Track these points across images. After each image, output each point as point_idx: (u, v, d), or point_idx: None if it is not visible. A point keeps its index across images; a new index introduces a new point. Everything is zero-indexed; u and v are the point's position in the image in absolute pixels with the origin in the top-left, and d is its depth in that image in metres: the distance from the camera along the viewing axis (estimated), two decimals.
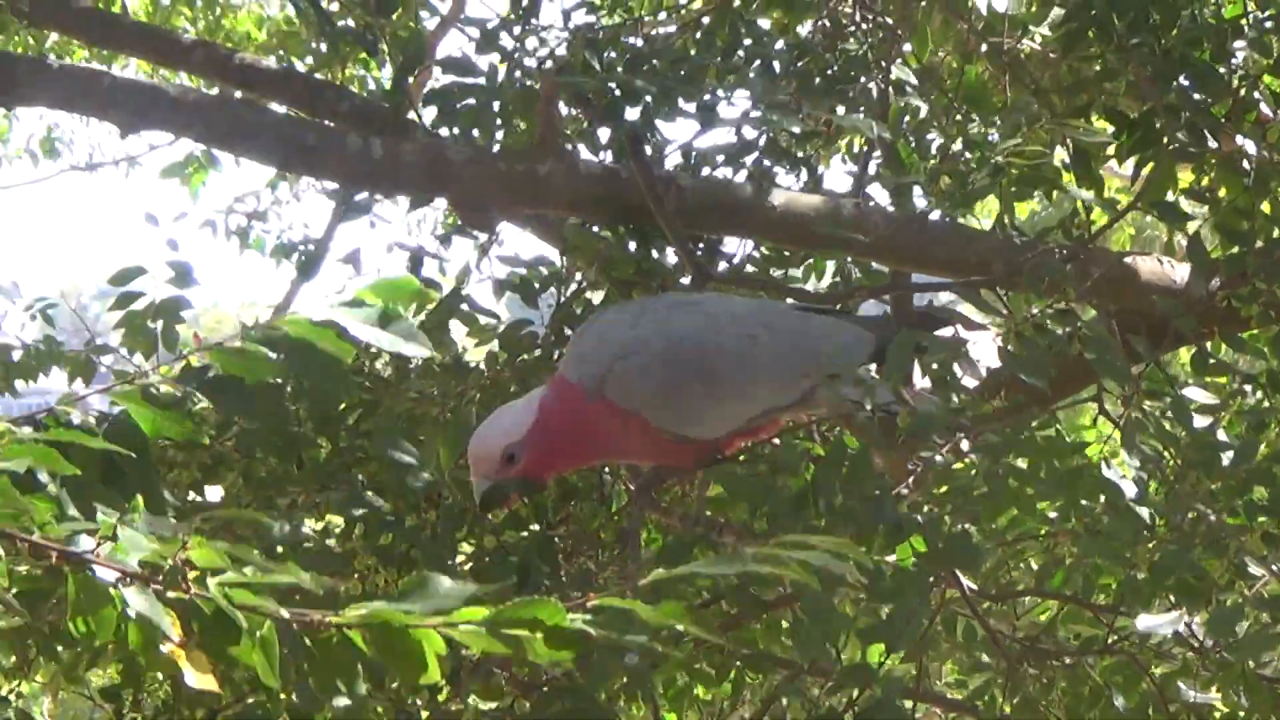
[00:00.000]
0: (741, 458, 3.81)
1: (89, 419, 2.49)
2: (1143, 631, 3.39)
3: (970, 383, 3.58)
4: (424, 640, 2.08)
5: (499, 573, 3.53)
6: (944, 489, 3.49)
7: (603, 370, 3.62)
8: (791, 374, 3.66)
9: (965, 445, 3.47)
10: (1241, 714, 3.60)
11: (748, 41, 4.52)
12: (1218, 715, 3.66)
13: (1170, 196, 4.49)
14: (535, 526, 4.01)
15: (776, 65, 4.56)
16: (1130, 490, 3.44)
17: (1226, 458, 3.49)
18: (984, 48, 4.82)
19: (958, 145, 4.41)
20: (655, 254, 4.60)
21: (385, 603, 2.11)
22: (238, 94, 5.40)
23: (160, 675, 4.40)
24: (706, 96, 4.34)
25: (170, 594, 2.14)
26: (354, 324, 2.41)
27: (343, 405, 4.20)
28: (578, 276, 4.48)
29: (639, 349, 3.63)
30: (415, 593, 2.11)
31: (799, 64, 4.60)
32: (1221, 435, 3.54)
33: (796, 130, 4.47)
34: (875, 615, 3.39)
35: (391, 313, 2.43)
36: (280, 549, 3.70)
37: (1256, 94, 4.41)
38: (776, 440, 3.89)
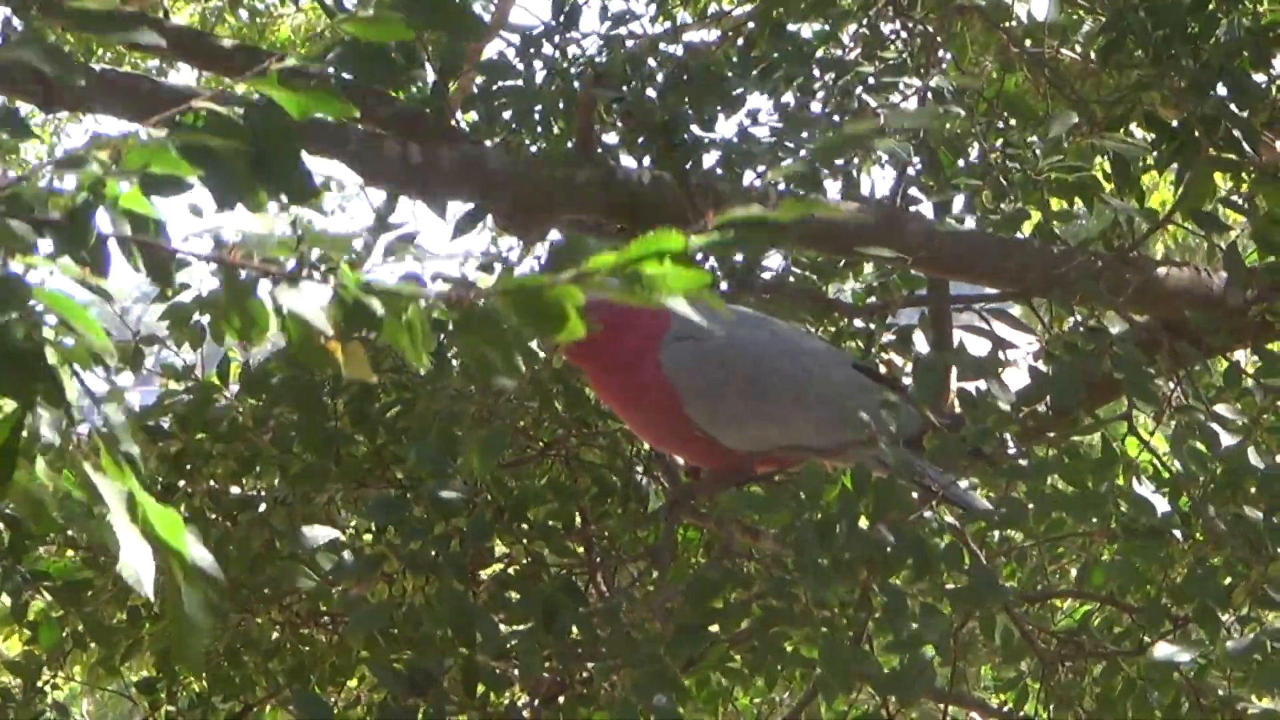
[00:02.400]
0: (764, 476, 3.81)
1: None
2: (1162, 661, 3.38)
3: (1002, 403, 3.57)
4: (563, 295, 2.04)
5: (524, 609, 3.52)
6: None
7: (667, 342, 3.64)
8: (832, 420, 3.65)
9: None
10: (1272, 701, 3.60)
11: (787, 63, 4.50)
12: (1252, 712, 3.66)
13: (1209, 206, 4.48)
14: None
15: (815, 86, 4.56)
16: (1161, 505, 3.44)
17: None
18: (1024, 54, 4.80)
19: (997, 155, 4.40)
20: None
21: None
22: None
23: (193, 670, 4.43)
24: (745, 118, 4.34)
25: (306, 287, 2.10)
26: None
27: (378, 402, 4.22)
28: None
29: (700, 336, 3.63)
30: (564, 258, 2.09)
31: (838, 81, 4.59)
32: (1253, 455, 3.52)
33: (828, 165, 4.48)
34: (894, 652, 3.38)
35: None
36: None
37: None
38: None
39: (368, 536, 4.03)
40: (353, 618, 3.78)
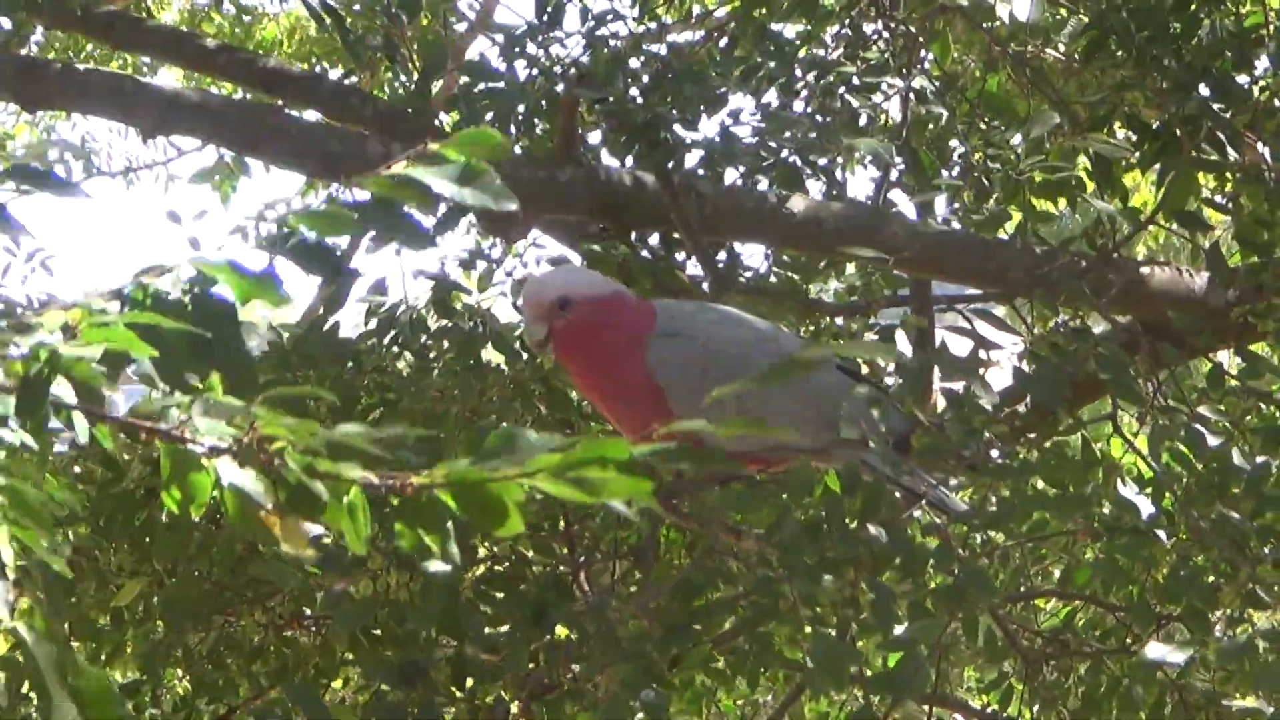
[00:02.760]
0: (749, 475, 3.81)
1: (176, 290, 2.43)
2: (1151, 661, 3.38)
3: (986, 403, 3.57)
4: (504, 492, 2.09)
5: (511, 606, 3.52)
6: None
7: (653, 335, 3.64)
8: (816, 421, 3.66)
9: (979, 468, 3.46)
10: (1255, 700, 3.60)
11: (771, 63, 4.50)
12: (1235, 707, 3.66)
13: (1191, 206, 4.48)
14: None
15: (797, 85, 4.56)
16: (1146, 508, 3.43)
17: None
18: (1007, 54, 4.81)
19: (979, 155, 4.40)
20: (679, 257, 4.62)
21: (465, 461, 2.10)
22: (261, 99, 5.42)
23: (179, 671, 4.43)
24: (726, 113, 4.34)
25: (252, 470, 2.15)
26: (436, 181, 2.39)
27: (360, 404, 4.22)
28: None
29: (688, 334, 3.64)
30: (493, 450, 2.11)
31: (820, 81, 4.59)
32: (1236, 456, 3.52)
33: (815, 160, 4.48)
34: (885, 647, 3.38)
35: (475, 168, 2.40)
36: None
37: (1278, 102, 4.40)
38: None
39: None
40: (338, 614, 3.78)
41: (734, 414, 3.66)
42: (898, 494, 3.47)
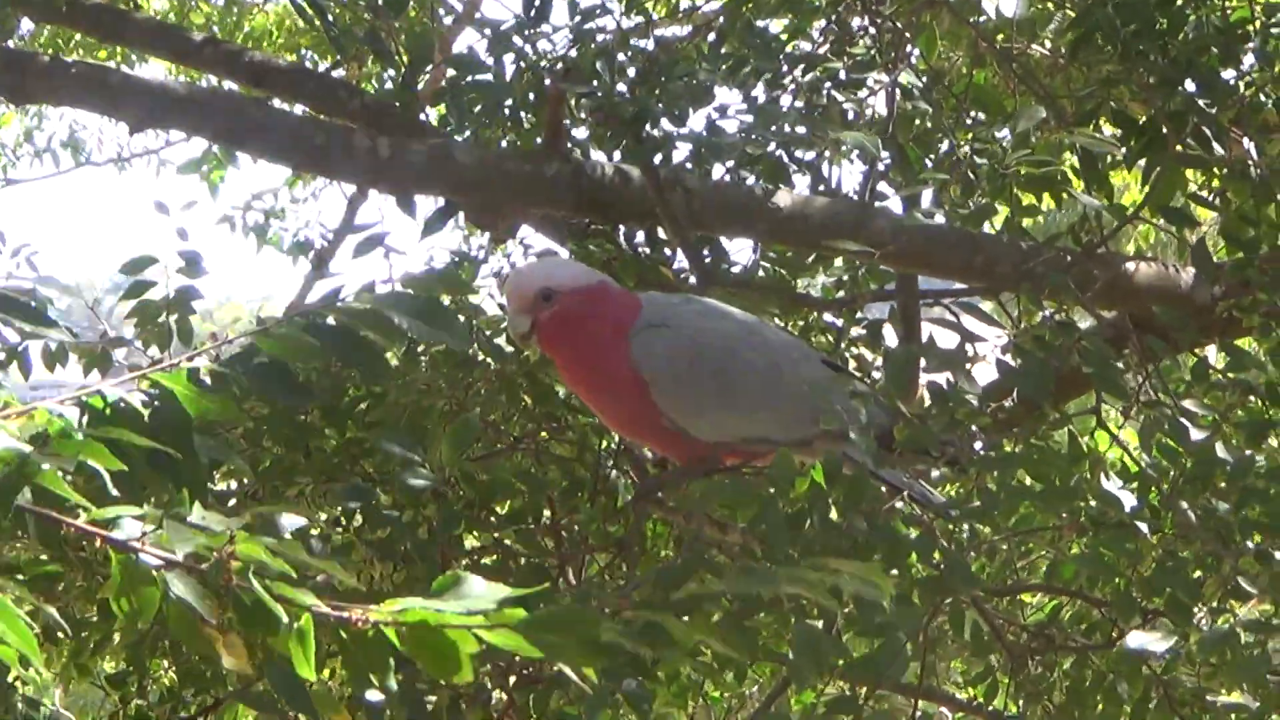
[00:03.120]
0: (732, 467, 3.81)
1: (133, 400, 2.48)
2: (1135, 650, 3.39)
3: (970, 396, 3.58)
4: (458, 640, 2.11)
5: None
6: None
7: (638, 329, 3.64)
8: (799, 415, 3.66)
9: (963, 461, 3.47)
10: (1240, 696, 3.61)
11: (757, 59, 4.50)
12: (1220, 702, 3.67)
13: (1178, 201, 4.49)
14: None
15: (784, 80, 4.55)
16: (1129, 501, 3.44)
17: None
18: (993, 50, 4.81)
19: (965, 149, 4.40)
20: (667, 252, 4.62)
21: (420, 601, 2.13)
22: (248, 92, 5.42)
23: (165, 662, 4.43)
24: (713, 111, 4.34)
25: (210, 583, 2.19)
26: (398, 315, 2.42)
27: (348, 396, 4.22)
28: None
29: (673, 325, 3.63)
30: (449, 591, 2.13)
31: (806, 76, 4.59)
32: (1221, 449, 3.53)
33: (801, 154, 4.49)
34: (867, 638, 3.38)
35: (434, 305, 2.45)
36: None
37: (1263, 96, 4.40)
38: None
39: (338, 531, 4.02)
40: None
41: (717, 408, 3.67)
42: (881, 488, 3.47)
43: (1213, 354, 4.37)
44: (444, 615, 2.09)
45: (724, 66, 4.44)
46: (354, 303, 2.47)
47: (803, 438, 3.66)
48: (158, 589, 2.19)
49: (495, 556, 4.00)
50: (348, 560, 3.83)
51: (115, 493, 2.40)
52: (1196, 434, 3.57)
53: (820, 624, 3.43)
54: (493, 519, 3.92)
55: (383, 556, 3.77)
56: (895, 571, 3.36)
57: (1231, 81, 4.41)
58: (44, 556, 4.28)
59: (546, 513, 4.16)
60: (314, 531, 4.12)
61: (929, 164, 4.57)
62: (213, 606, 2.18)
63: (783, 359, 3.70)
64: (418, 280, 2.45)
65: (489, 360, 4.31)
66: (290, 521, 3.77)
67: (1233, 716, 3.66)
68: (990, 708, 4.29)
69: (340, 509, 3.90)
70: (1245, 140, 4.38)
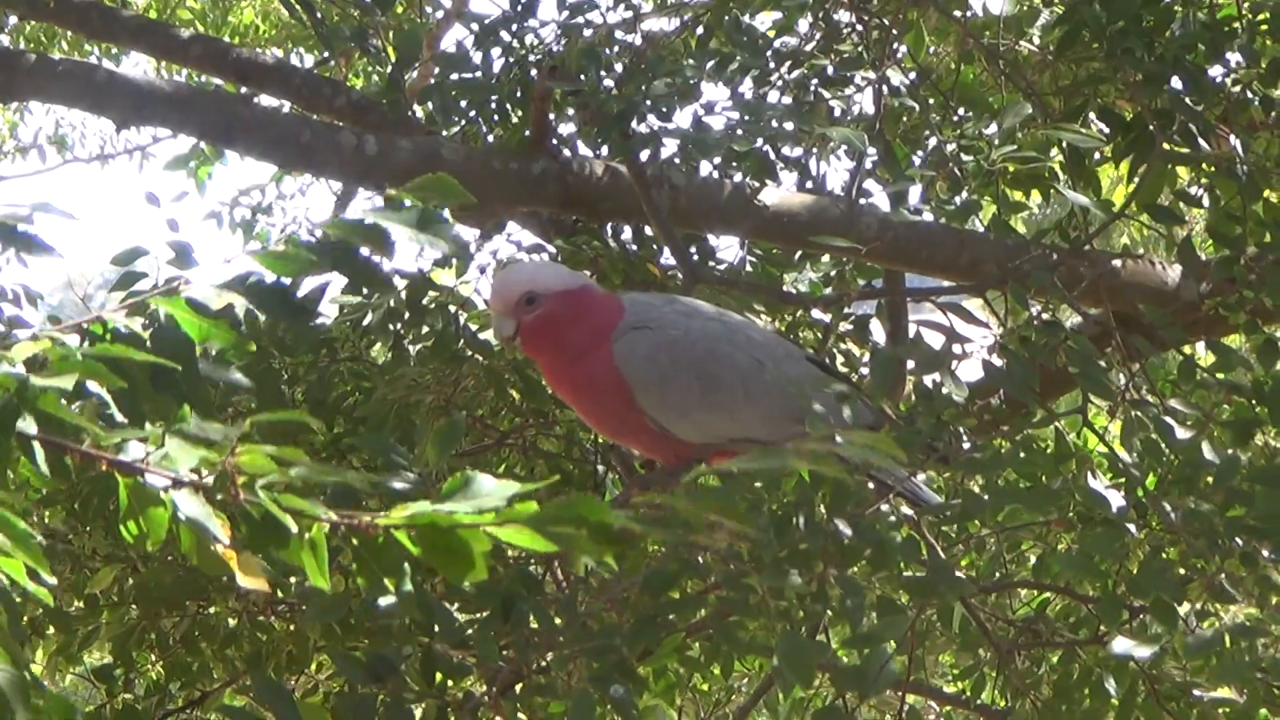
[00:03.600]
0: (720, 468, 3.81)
1: (134, 325, 2.46)
2: (1120, 654, 3.39)
3: (956, 396, 3.58)
4: (470, 539, 2.09)
5: (480, 599, 3.53)
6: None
7: (620, 333, 3.63)
8: (784, 414, 3.65)
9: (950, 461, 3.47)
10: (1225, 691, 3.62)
11: (743, 55, 4.50)
12: (1207, 698, 3.67)
13: (1165, 199, 4.50)
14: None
15: (771, 77, 4.56)
16: (1117, 501, 3.44)
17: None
18: (980, 47, 4.81)
19: (952, 147, 4.41)
20: (654, 249, 4.63)
21: (431, 503, 2.12)
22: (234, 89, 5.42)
23: (153, 656, 4.43)
24: (699, 108, 4.34)
25: (219, 498, 2.16)
26: (394, 226, 2.41)
27: (336, 391, 4.22)
28: None
29: (654, 326, 3.64)
30: (461, 492, 2.11)
31: (793, 73, 4.59)
32: (1207, 449, 3.53)
33: (787, 151, 4.50)
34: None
35: (431, 214, 2.41)
36: None
37: (1250, 93, 4.41)
38: None
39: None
40: (309, 609, 3.78)
41: (700, 408, 3.67)
42: (870, 485, 3.48)
43: (1200, 351, 4.39)
44: (454, 516, 2.07)
45: (711, 63, 4.44)
46: (346, 219, 2.45)
47: (788, 436, 3.66)
48: (166, 510, 2.17)
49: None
50: (336, 563, 3.83)
51: (120, 417, 2.39)
52: (1182, 433, 3.58)
53: (810, 623, 3.45)
54: None
55: None
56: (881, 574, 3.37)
57: (1218, 79, 4.42)
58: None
59: None
60: None
61: (916, 161, 4.58)
62: (224, 524, 2.16)
63: (766, 358, 3.69)
64: (413, 187, 2.42)
65: (477, 356, 4.31)
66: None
67: (1220, 711, 3.67)
68: (978, 702, 4.30)
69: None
70: (1232, 137, 4.39)
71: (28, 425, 2.23)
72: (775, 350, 3.74)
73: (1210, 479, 3.46)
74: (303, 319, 2.58)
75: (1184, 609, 3.41)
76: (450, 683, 3.43)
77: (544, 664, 3.46)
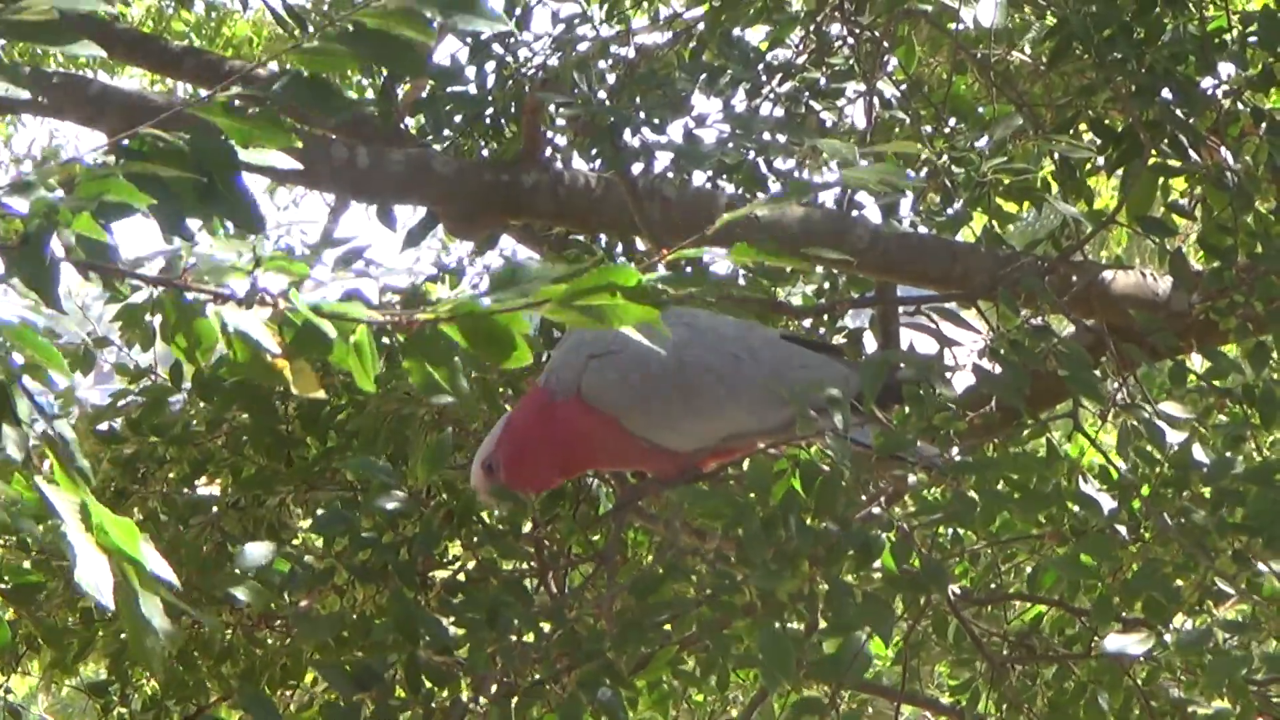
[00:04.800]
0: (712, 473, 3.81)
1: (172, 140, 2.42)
2: (1112, 652, 3.39)
3: (947, 397, 3.59)
4: (511, 323, 2.10)
5: (469, 609, 3.53)
6: (914, 508, 3.50)
7: (579, 368, 3.62)
8: (770, 401, 3.64)
9: (940, 465, 3.47)
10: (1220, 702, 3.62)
11: (734, 69, 4.51)
12: (1201, 714, 3.68)
13: (1157, 210, 4.50)
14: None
15: (763, 90, 4.57)
16: (1107, 504, 3.45)
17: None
18: (971, 58, 4.82)
19: (944, 159, 4.42)
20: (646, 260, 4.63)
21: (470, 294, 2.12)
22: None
23: (146, 672, 4.43)
24: (691, 121, 4.34)
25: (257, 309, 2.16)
26: (426, 7, 2.38)
27: (329, 406, 4.22)
28: None
29: (619, 349, 3.63)
30: (507, 281, 2.12)
31: (785, 85, 4.60)
32: (1198, 452, 3.54)
33: (779, 164, 4.51)
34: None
35: None
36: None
37: (1241, 104, 4.42)
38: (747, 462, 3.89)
39: (319, 543, 4.03)
40: (301, 630, 3.79)
41: (685, 416, 3.66)
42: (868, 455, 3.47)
43: (1192, 362, 4.39)
44: (492, 304, 2.08)
45: (703, 76, 4.45)
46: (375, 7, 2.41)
47: (781, 423, 3.65)
48: (214, 323, 2.17)
49: (475, 566, 4.00)
50: (330, 584, 3.84)
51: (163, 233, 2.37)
52: (1175, 437, 3.59)
53: (800, 627, 3.45)
54: (474, 529, 3.93)
55: (365, 580, 3.78)
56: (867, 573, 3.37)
57: (1209, 90, 4.43)
58: (26, 565, 4.29)
59: (527, 523, 4.17)
60: (295, 542, 4.14)
61: (907, 172, 4.59)
62: (273, 333, 2.15)
63: (740, 350, 3.67)
64: None
65: (471, 370, 4.31)
66: (260, 551, 3.80)
67: None
68: (973, 715, 4.30)
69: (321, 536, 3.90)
70: (1222, 149, 4.40)
71: (75, 250, 2.21)
72: (748, 340, 3.72)
73: (1202, 481, 3.47)
74: (342, 108, 2.53)
75: (1177, 620, 3.42)
76: (436, 690, 3.44)
77: (535, 674, 3.47)
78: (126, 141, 2.37)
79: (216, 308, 2.16)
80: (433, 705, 3.41)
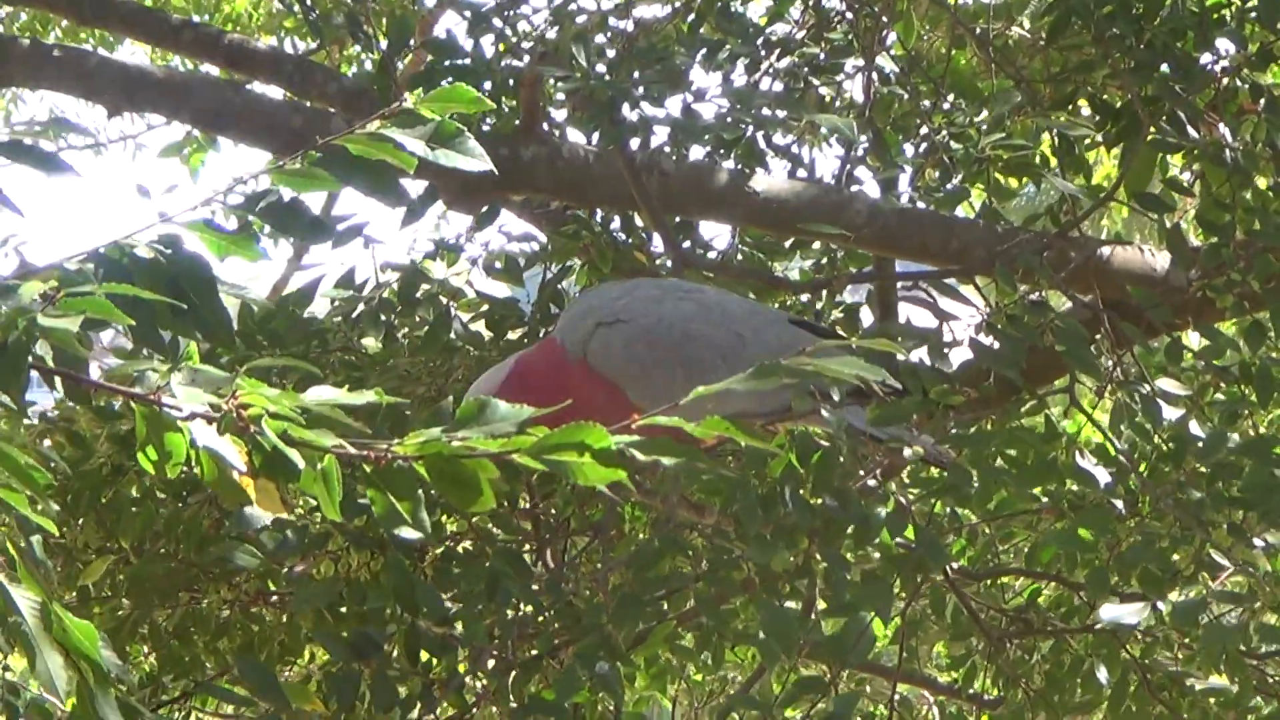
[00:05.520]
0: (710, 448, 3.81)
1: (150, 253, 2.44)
2: (1108, 621, 3.40)
3: (944, 371, 3.59)
4: (477, 468, 2.11)
5: (467, 579, 3.53)
6: (911, 481, 3.50)
7: (587, 334, 3.63)
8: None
9: (937, 439, 3.47)
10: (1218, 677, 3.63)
11: (733, 43, 4.49)
12: (1199, 687, 3.69)
13: (1155, 186, 4.50)
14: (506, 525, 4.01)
15: (762, 64, 4.56)
16: (1104, 478, 3.45)
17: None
18: (970, 33, 4.81)
19: (943, 134, 4.41)
20: (644, 237, 4.63)
21: (440, 431, 2.14)
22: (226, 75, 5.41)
23: (145, 648, 4.43)
24: (689, 95, 4.33)
25: (228, 435, 2.18)
26: (409, 140, 2.39)
27: (328, 382, 4.21)
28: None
29: (626, 319, 3.63)
30: (475, 418, 2.12)
31: (784, 60, 4.59)
32: (1195, 427, 3.54)
33: (778, 139, 4.50)
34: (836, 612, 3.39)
35: (448, 128, 2.40)
36: None
37: (1239, 81, 4.42)
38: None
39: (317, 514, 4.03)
40: (297, 594, 3.79)
41: (684, 387, 3.65)
42: (865, 439, 3.47)
43: (1189, 340, 4.39)
44: (458, 446, 2.09)
45: (702, 50, 4.44)
46: (360, 133, 2.43)
47: (781, 405, 3.65)
48: (183, 436, 2.18)
49: (472, 541, 4.00)
50: (325, 550, 3.84)
51: (138, 347, 2.41)
52: (1170, 412, 3.59)
53: (797, 606, 3.45)
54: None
55: (359, 545, 3.78)
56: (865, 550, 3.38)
57: (1208, 66, 4.42)
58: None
59: (524, 497, 4.17)
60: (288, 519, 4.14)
61: (906, 149, 4.59)
62: (241, 451, 2.17)
63: (746, 329, 3.68)
64: (429, 99, 2.40)
65: (468, 347, 4.31)
66: (262, 513, 3.80)
67: (1211, 700, 3.68)
68: (970, 691, 4.31)
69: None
70: (1221, 125, 4.39)
71: (45, 356, 2.24)
72: (754, 320, 3.72)
73: (1197, 456, 3.48)
74: (320, 235, 2.55)
75: (1173, 594, 3.43)
76: (435, 661, 3.44)
77: (532, 647, 3.47)
78: (103, 250, 2.39)
79: (186, 425, 2.18)
80: (431, 676, 3.42)
